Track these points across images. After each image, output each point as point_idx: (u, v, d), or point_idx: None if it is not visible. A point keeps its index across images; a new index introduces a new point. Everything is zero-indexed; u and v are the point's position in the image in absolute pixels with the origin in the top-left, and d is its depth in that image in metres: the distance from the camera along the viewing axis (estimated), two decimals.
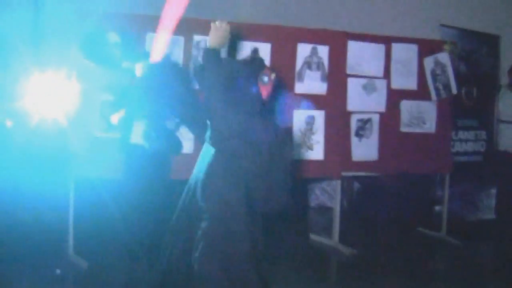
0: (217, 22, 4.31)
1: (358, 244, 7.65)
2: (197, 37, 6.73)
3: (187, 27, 6.70)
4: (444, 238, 8.27)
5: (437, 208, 8.91)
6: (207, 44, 4.39)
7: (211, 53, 4.24)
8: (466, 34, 9.17)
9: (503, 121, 8.89)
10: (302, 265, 6.95)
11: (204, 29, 6.64)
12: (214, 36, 4.28)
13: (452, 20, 8.99)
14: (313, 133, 7.37)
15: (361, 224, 8.81)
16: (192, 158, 6.67)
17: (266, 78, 4.18)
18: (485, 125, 9.54)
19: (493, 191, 9.56)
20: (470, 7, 9.46)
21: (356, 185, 9.70)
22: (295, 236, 7.95)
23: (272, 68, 4.33)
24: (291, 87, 7.19)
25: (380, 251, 7.67)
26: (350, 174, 7.99)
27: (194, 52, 6.74)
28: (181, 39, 6.70)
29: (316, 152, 7.41)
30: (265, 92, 4.19)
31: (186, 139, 6.70)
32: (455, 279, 6.76)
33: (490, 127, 9.59)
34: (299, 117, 7.30)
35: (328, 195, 9.18)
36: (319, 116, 7.38)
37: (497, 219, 9.18)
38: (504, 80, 9.35)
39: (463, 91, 8.84)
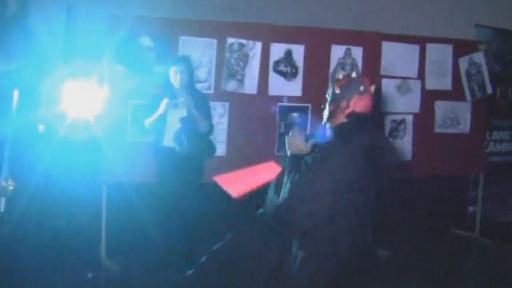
0: (290, 133, 4.02)
1: (391, 245, 7.57)
2: (230, 40, 6.68)
3: (220, 29, 6.69)
4: (477, 239, 8.18)
5: (470, 208, 8.78)
6: (288, 153, 4.12)
7: (295, 158, 3.97)
8: (501, 33, 9.01)
9: None
10: None
11: (237, 32, 6.71)
12: (292, 146, 4.00)
13: (487, 20, 8.85)
14: None
15: (394, 225, 8.72)
16: (225, 161, 6.72)
17: (362, 87, 3.69)
18: None
19: None
20: (505, 6, 9.30)
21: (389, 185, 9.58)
22: None
23: (371, 80, 3.80)
24: (325, 88, 7.11)
25: (413, 252, 7.59)
26: None
27: (227, 54, 6.69)
28: (214, 41, 6.66)
29: None
30: (361, 104, 3.67)
31: (219, 141, 6.69)
32: (487, 280, 6.70)
33: None
34: None
35: None
36: None
37: None
38: None
39: (497, 91, 8.70)
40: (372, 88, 3.73)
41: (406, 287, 6.38)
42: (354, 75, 3.78)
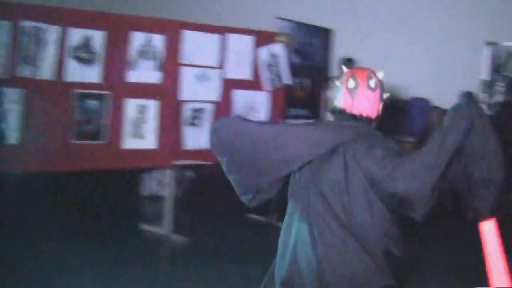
0: None
1: (191, 233, 7.68)
2: (24, 23, 6.40)
3: (14, 11, 6.40)
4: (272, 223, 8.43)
5: None
6: None
7: None
8: (300, 27, 9.30)
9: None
10: (133, 254, 6.89)
11: (33, 15, 6.45)
12: None
13: (288, 13, 9.09)
14: (144, 122, 7.25)
15: (195, 212, 8.84)
16: (17, 149, 6.46)
17: (338, 83, 3.31)
18: (315, 114, 9.79)
19: None
20: (305, 1, 9.62)
21: (190, 174, 9.73)
22: (124, 226, 7.94)
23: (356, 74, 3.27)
24: (124, 76, 7.04)
25: (212, 237, 7.79)
26: (183, 163, 7.92)
27: (22, 38, 6.41)
28: (6, 24, 6.35)
29: (148, 141, 7.31)
30: (340, 99, 3.28)
31: (12, 129, 6.43)
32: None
33: (318, 116, 9.86)
34: (131, 106, 7.15)
35: (161, 184, 9.06)
36: (152, 105, 7.27)
37: None
38: (335, 71, 9.60)
39: (297, 82, 8.98)
40: (351, 83, 3.25)
41: (204, 272, 6.49)
42: (345, 69, 3.39)
